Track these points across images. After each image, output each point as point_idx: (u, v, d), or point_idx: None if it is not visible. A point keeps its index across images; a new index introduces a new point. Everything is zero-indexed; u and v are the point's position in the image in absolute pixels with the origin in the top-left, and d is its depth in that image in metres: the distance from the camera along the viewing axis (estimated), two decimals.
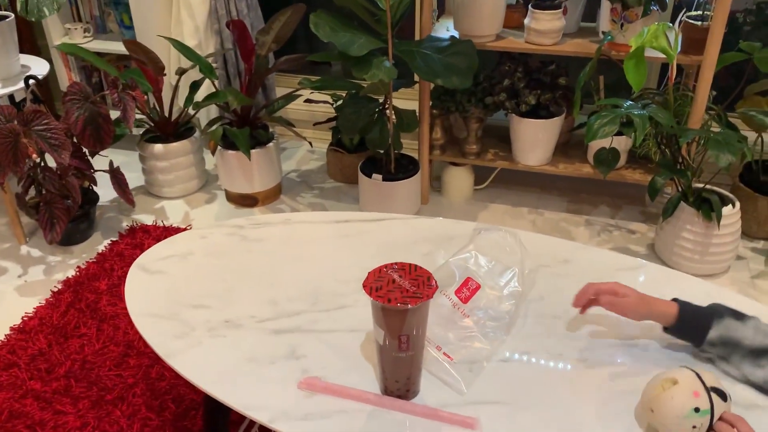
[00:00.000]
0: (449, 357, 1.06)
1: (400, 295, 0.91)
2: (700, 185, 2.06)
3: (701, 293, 1.23)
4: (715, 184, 2.07)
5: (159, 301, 1.23)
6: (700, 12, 2.10)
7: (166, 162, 2.48)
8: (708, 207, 1.97)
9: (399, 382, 0.99)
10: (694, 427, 0.88)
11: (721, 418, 0.89)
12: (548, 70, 2.20)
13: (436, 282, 0.94)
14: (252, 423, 1.48)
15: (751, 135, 2.35)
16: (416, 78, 2.69)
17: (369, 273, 0.96)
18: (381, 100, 2.24)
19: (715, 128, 2.21)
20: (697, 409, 0.88)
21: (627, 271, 1.30)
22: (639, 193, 2.55)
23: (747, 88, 2.16)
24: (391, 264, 0.98)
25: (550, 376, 1.05)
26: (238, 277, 1.29)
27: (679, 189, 2.05)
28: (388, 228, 1.44)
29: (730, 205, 2.00)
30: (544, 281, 1.27)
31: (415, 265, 0.98)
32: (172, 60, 2.67)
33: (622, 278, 1.27)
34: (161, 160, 2.47)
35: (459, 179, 2.48)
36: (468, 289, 1.14)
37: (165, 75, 2.34)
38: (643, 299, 1.06)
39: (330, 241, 1.40)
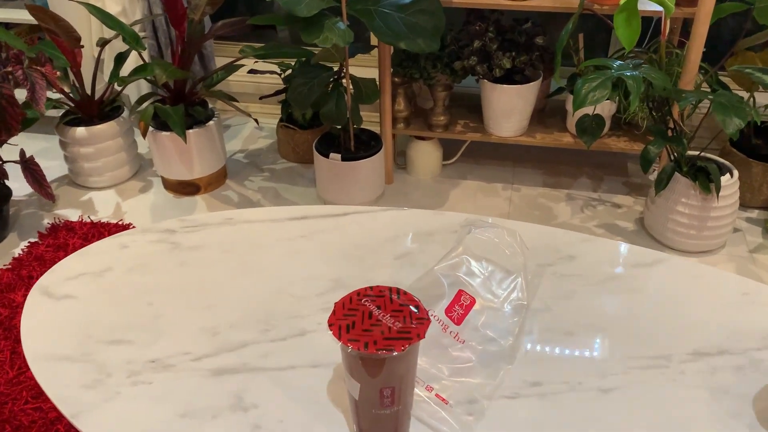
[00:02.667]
0: (443, 400, 0.83)
1: (380, 336, 0.67)
2: (694, 153, 1.86)
3: (736, 292, 1.02)
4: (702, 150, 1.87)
5: (66, 338, 0.95)
6: None
7: (90, 147, 2.16)
8: (705, 177, 1.77)
9: None
10: None
11: None
12: (523, 29, 1.95)
13: (427, 313, 0.70)
14: None
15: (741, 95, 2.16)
16: (374, 42, 2.42)
17: (336, 304, 0.71)
18: (336, 69, 1.97)
19: (705, 89, 2.01)
20: None
21: (645, 267, 1.08)
22: (620, 162, 2.35)
23: (739, 43, 1.96)
24: (365, 289, 0.73)
25: (570, 414, 0.83)
26: (168, 300, 1.02)
27: (672, 158, 1.85)
28: (353, 224, 1.19)
29: (728, 174, 1.81)
30: (549, 285, 1.04)
31: (396, 288, 0.73)
32: (94, 29, 2.33)
33: (641, 275, 1.06)
34: (85, 145, 2.15)
35: (426, 155, 2.23)
36: (461, 306, 0.90)
37: (82, 47, 2.01)
38: None
39: (283, 245, 1.14)
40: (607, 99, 1.99)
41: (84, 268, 1.10)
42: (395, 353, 0.65)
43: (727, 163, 1.86)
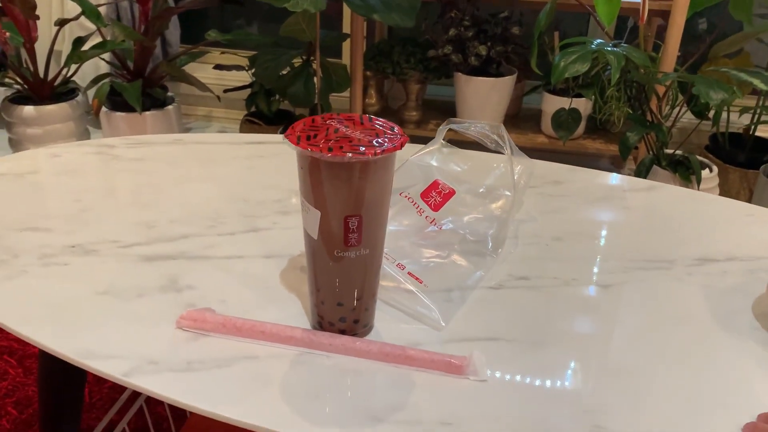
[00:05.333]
0: (417, 279, 0.70)
1: (348, 144, 0.55)
2: (670, 151, 1.81)
3: (739, 213, 0.92)
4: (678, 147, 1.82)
5: None
6: None
7: (38, 128, 2.02)
8: (684, 169, 1.71)
9: (344, 305, 0.61)
10: None
11: None
12: (500, 18, 1.92)
13: (404, 134, 0.58)
14: (133, 397, 1.04)
15: None
16: (346, 28, 2.36)
17: (295, 123, 0.59)
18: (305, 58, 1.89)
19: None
20: None
21: (639, 191, 0.98)
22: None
23: (713, 49, 1.95)
24: (330, 114, 0.61)
25: (562, 305, 0.70)
26: (99, 197, 0.88)
27: (651, 151, 1.79)
28: None
29: (707, 169, 1.76)
30: (534, 202, 0.93)
31: (369, 116, 0.62)
32: (54, 10, 2.23)
33: (635, 197, 0.96)
34: (32, 125, 2.01)
35: None
36: (438, 194, 0.79)
37: (38, 18, 1.91)
38: None
39: (240, 162, 1.02)
40: (582, 97, 1.95)
41: (2, 170, 0.95)
42: (369, 157, 0.53)
43: (705, 160, 1.81)
